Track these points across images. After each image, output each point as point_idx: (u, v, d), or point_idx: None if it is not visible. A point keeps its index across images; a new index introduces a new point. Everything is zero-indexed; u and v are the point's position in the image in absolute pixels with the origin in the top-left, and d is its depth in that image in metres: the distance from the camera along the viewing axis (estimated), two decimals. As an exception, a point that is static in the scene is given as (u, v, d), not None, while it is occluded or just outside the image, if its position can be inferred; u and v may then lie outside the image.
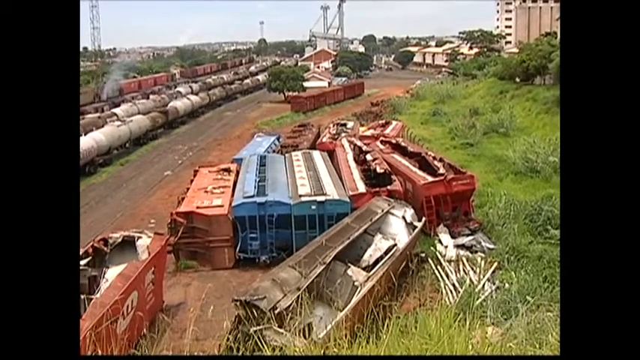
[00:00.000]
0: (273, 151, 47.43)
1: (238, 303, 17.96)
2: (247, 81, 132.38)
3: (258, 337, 15.93)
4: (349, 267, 22.51)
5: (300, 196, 30.15)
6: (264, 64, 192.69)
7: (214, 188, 33.06)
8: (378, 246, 25.10)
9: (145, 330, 18.10)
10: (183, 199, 32.51)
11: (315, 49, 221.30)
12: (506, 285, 23.93)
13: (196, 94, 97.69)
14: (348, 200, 29.95)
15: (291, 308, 17.20)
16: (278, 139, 54.35)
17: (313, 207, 29.21)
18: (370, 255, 24.54)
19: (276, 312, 17.50)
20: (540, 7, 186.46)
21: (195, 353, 12.03)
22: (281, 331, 15.41)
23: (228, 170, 37.63)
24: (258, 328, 16.37)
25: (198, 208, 29.82)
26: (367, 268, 23.04)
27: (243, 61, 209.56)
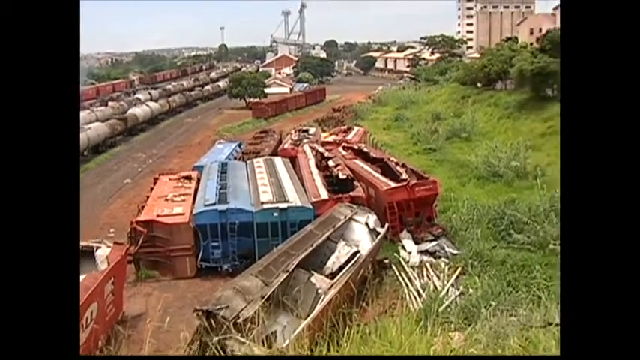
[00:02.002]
0: (235, 158, 47.11)
1: (200, 312, 17.71)
2: (208, 87, 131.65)
3: (221, 347, 15.77)
4: (312, 274, 22.35)
5: (262, 203, 29.94)
6: (224, 70, 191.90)
7: (175, 196, 32.63)
8: (342, 253, 24.98)
9: (103, 342, 17.71)
10: (143, 207, 32.04)
11: (276, 54, 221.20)
12: (470, 290, 23.96)
13: (156, 100, 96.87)
14: (311, 207, 29.84)
15: (254, 317, 17.00)
16: (239, 145, 54.01)
17: (275, 214, 29.03)
18: (333, 262, 24.41)
19: (238, 321, 17.29)
20: (501, 13, 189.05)
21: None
22: (243, 340, 15.22)
23: (188, 178, 37.24)
24: (220, 337, 16.17)
25: (158, 216, 29.41)
26: (330, 275, 22.87)
27: (204, 67, 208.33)
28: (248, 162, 41.83)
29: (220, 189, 32.40)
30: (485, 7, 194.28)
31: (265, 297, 18.91)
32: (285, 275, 20.82)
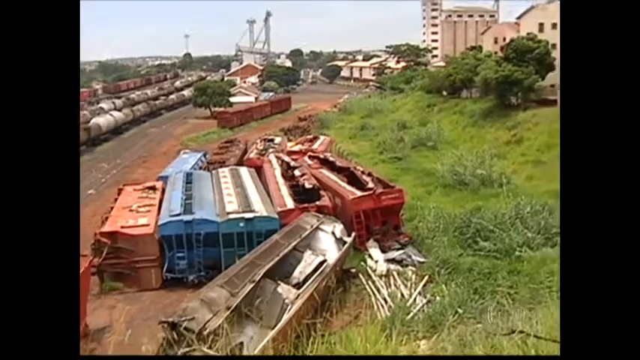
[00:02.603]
0: (200, 168, 46.92)
1: (166, 324, 17.56)
2: (172, 96, 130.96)
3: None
4: (279, 284, 22.32)
5: (228, 213, 29.76)
6: (189, 79, 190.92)
7: (139, 207, 32.32)
8: (308, 262, 24.92)
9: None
10: (107, 218, 31.62)
11: (241, 63, 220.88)
12: (437, 298, 24.01)
13: (120, 110, 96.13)
14: (277, 217, 29.72)
15: (220, 328, 16.88)
16: (204, 155, 53.83)
17: (241, 224, 28.87)
18: (300, 272, 24.35)
19: (205, 333, 17.14)
20: (466, 22, 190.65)
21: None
22: (210, 352, 15.06)
23: (153, 188, 36.94)
24: (186, 349, 16.02)
25: (122, 227, 29.08)
26: (297, 285, 22.82)
27: (168, 76, 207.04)
28: (213, 172, 41.58)
29: (185, 199, 32.15)
30: (449, 16, 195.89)
31: (232, 308, 18.82)
32: (251, 286, 20.73)
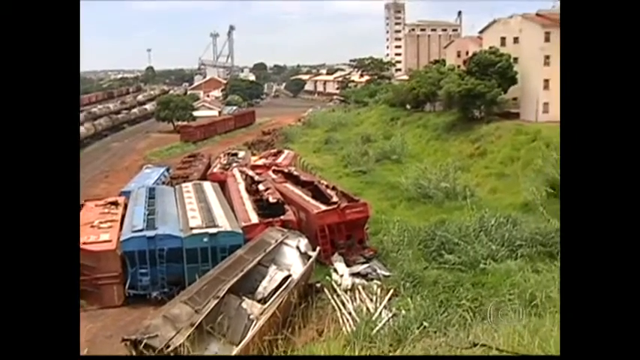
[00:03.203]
0: (163, 183, 46.54)
1: (129, 342, 17.31)
2: (135, 110, 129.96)
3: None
4: (244, 300, 22.17)
5: (192, 228, 29.47)
6: (152, 92, 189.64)
7: (101, 223, 31.84)
8: (273, 277, 24.82)
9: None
10: (68, 234, 31.07)
11: (204, 77, 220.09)
12: (403, 311, 23.94)
13: (81, 124, 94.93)
14: (241, 232, 29.50)
15: (184, 345, 16.71)
16: (167, 170, 53.41)
17: (205, 239, 28.59)
18: (265, 287, 24.24)
19: (168, 350, 16.91)
20: (429, 35, 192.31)
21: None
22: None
23: (115, 204, 36.49)
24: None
25: (84, 243, 28.53)
26: (262, 301, 22.67)
27: (131, 90, 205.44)
28: (177, 186, 41.30)
29: (148, 214, 31.78)
30: (413, 30, 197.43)
31: (195, 325, 18.59)
32: (215, 302, 20.51)
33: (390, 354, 11.18)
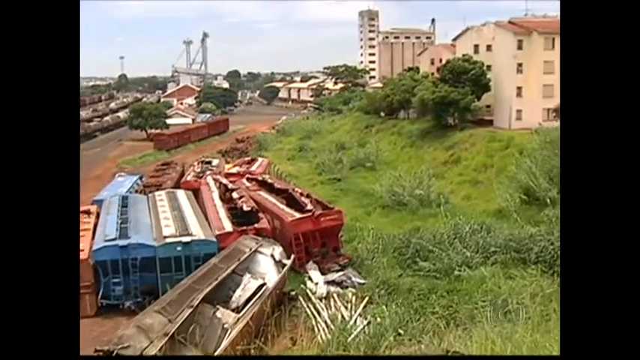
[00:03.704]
0: (136, 192, 46.06)
1: (101, 353, 17.10)
2: (107, 118, 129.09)
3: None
4: (218, 309, 21.98)
5: (165, 237, 29.18)
6: (124, 100, 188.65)
7: (73, 232, 31.41)
8: (247, 286, 24.66)
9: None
10: (39, 243, 30.70)
11: (178, 85, 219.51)
12: (378, 319, 23.87)
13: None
14: (215, 240, 29.27)
15: (158, 356, 16.57)
16: (140, 178, 53.02)
17: (179, 248, 28.33)
18: (239, 295, 24.08)
19: (141, 361, 16.75)
20: (403, 43, 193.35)
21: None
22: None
23: (87, 212, 36.04)
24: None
25: (55, 253, 28.24)
26: (236, 310, 22.51)
27: (103, 98, 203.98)
28: (150, 195, 40.89)
29: (121, 223, 31.42)
30: (387, 37, 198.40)
31: (169, 334, 18.39)
32: (189, 311, 20.31)
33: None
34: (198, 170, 54.59)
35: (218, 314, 21.61)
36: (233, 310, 22.43)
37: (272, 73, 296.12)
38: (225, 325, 20.90)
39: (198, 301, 21.13)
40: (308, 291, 28.19)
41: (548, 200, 36.38)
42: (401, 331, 21.38)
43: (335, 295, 27.60)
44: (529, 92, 65.45)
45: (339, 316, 24.90)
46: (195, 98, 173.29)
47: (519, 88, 66.35)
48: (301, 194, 38.32)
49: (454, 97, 65.22)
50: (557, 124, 50.12)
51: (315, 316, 25.34)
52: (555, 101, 57.73)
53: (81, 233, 31.10)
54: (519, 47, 66.49)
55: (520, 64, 66.29)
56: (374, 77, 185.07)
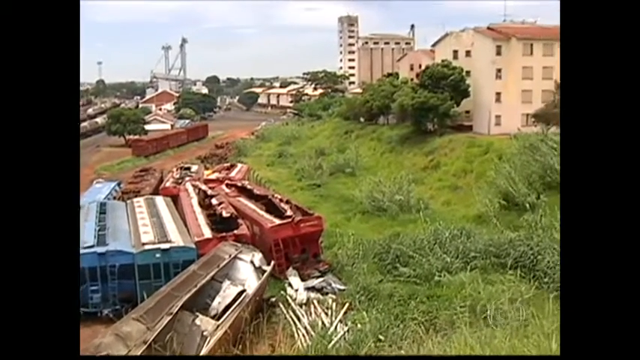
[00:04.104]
0: (114, 198, 45.73)
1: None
2: (85, 124, 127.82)
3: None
4: (197, 316, 21.83)
5: (144, 244, 28.95)
6: (102, 106, 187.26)
7: (51, 239, 31.11)
8: (227, 293, 24.58)
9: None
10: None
11: (156, 90, 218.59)
12: (359, 325, 23.81)
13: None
14: (194, 247, 29.08)
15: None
16: (119, 184, 52.64)
17: (157, 255, 28.13)
18: (219, 302, 23.99)
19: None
20: (382, 49, 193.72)
21: None
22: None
23: (65, 219, 35.67)
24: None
25: (33, 260, 27.94)
26: (216, 317, 22.37)
27: (81, 103, 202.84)
28: (128, 201, 40.65)
29: (99, 230, 31.13)
30: (366, 43, 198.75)
31: (148, 342, 18.21)
32: (168, 318, 20.16)
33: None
34: (177, 176, 54.34)
35: (197, 321, 21.47)
36: (212, 317, 22.30)
37: (251, 79, 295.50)
38: (205, 333, 20.77)
39: (177, 309, 20.97)
40: (288, 297, 28.10)
41: (527, 205, 36.53)
42: (381, 337, 21.38)
43: (315, 302, 27.54)
44: (508, 98, 65.75)
45: (320, 323, 24.85)
46: (174, 104, 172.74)
47: (498, 94, 66.63)
48: (281, 200, 38.23)
49: (433, 103, 65.38)
50: (535, 129, 50.53)
51: (295, 323, 25.26)
52: (534, 107, 58.11)
53: (58, 240, 30.85)
54: (498, 53, 66.80)
55: (499, 70, 66.59)
56: (353, 83, 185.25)
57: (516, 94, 65.05)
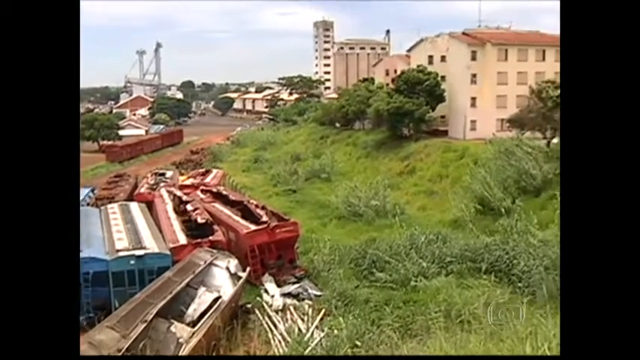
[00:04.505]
0: (88, 204, 45.31)
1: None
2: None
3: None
4: (172, 323, 21.66)
5: (118, 250, 28.65)
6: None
7: (23, 246, 30.71)
8: (202, 299, 24.37)
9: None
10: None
11: (131, 95, 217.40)
12: (335, 331, 23.73)
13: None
14: (169, 253, 28.83)
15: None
16: (92, 190, 52.19)
17: (132, 262, 27.83)
18: (194, 309, 23.78)
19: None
20: (358, 54, 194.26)
21: None
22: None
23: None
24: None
25: (4, 268, 27.55)
26: (191, 324, 22.19)
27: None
28: (102, 208, 40.27)
29: (72, 237, 30.73)
30: (342, 48, 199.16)
31: (122, 351, 18.01)
32: (143, 326, 19.94)
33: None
34: (152, 182, 53.87)
35: (172, 329, 21.30)
36: (188, 325, 22.12)
37: (227, 84, 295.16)
38: (180, 340, 20.61)
39: (152, 316, 20.76)
40: (264, 303, 27.95)
41: (502, 210, 36.72)
42: (358, 342, 21.31)
43: (291, 308, 27.41)
44: (483, 103, 66.24)
45: (296, 329, 24.74)
46: (149, 109, 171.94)
47: (473, 99, 67.13)
48: (256, 206, 38.08)
49: (409, 108, 65.62)
50: (510, 134, 50.85)
51: (271, 329, 25.13)
52: (509, 112, 58.53)
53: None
54: (473, 58, 67.31)
55: (474, 75, 67.10)
56: (329, 88, 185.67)
57: (491, 99, 65.56)
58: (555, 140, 48.28)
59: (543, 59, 68.02)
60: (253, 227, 32.87)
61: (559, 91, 46.52)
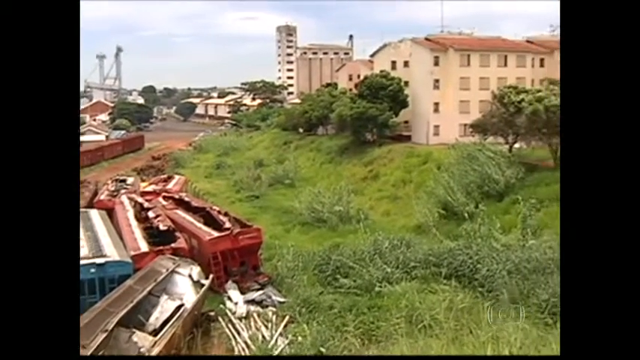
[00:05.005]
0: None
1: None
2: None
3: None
4: (134, 332, 21.27)
5: (78, 258, 28.22)
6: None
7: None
8: (165, 307, 24.06)
9: None
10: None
11: (90, 100, 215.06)
12: (299, 338, 23.61)
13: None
14: (130, 261, 28.39)
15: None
16: (52, 197, 51.33)
17: (92, 270, 27.33)
18: (156, 318, 23.46)
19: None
20: (321, 59, 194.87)
21: None
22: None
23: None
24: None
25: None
26: (154, 332, 21.86)
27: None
28: (62, 215, 39.56)
29: (30, 245, 30.21)
30: (305, 53, 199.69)
31: (82, 361, 17.63)
32: (103, 335, 19.54)
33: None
34: (113, 189, 53.21)
35: (134, 338, 20.91)
36: (150, 333, 21.76)
37: (189, 89, 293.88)
38: (142, 349, 20.26)
39: (113, 325, 20.37)
40: (227, 311, 27.70)
41: (466, 214, 36.94)
42: (322, 349, 21.24)
43: (255, 315, 27.18)
44: (446, 108, 66.77)
45: (260, 336, 24.56)
46: (109, 114, 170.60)
47: (436, 104, 67.64)
48: (219, 212, 37.80)
49: (372, 113, 65.84)
50: (473, 139, 51.28)
51: (234, 337, 24.91)
52: (471, 117, 59.02)
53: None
54: (436, 63, 67.83)
55: (437, 80, 67.64)
56: (292, 93, 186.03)
57: (454, 105, 66.11)
58: (517, 145, 48.81)
59: (505, 65, 68.84)
60: (216, 234, 32.58)
61: (521, 96, 47.08)
